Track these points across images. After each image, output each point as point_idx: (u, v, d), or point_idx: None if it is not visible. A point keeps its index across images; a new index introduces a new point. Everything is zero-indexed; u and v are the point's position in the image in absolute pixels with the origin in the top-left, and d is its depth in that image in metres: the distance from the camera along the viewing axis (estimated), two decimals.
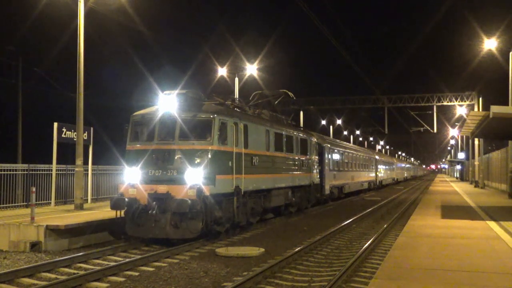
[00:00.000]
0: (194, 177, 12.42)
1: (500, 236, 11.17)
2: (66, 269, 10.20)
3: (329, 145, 27.01)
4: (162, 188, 12.50)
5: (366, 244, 12.28)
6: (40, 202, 17.22)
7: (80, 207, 16.14)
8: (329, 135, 49.72)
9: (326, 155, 25.67)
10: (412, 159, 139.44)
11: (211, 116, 13.19)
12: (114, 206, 12.80)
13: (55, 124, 17.14)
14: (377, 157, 47.38)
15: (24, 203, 17.01)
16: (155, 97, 14.45)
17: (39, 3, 19.57)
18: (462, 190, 33.72)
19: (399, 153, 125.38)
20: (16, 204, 17.04)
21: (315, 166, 22.76)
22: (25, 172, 17.57)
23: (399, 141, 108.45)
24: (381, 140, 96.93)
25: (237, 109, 15.68)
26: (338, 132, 66.81)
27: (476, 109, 39.98)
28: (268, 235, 14.77)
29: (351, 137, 73.58)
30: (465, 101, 44.54)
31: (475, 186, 39.92)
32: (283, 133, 18.35)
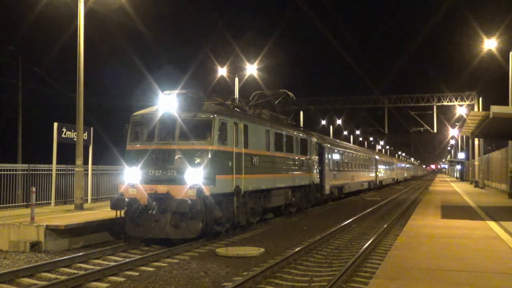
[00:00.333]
0: (194, 177, 12.42)
1: (500, 236, 11.16)
2: (66, 269, 10.20)
3: (329, 145, 27.01)
4: (162, 188, 12.50)
5: (366, 244, 12.28)
6: (40, 202, 17.22)
7: (80, 207, 16.14)
8: (329, 135, 49.71)
9: (326, 155, 25.67)
10: (412, 159, 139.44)
11: (211, 116, 13.19)
12: (114, 206, 12.80)
13: (55, 124, 17.14)
14: (377, 157, 47.38)
15: (24, 203, 17.01)
16: (155, 97, 14.47)
17: (39, 3, 19.58)
18: (462, 190, 33.72)
19: (399, 153, 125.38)
20: (16, 204, 17.05)
21: (315, 166, 22.76)
22: (25, 172, 17.57)
23: (399, 141, 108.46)
24: (381, 140, 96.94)
25: (237, 109, 15.68)
26: (338, 132, 66.83)
27: (476, 109, 39.98)
28: (268, 235, 14.77)
29: (351, 137, 73.58)
30: (465, 101, 44.53)
31: (475, 186, 39.93)
32: (283, 133, 18.35)
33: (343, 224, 16.82)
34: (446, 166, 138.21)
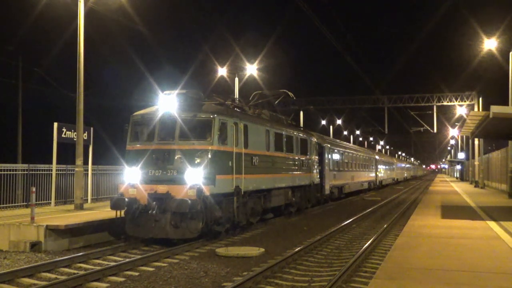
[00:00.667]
0: (194, 177, 12.42)
1: (500, 236, 11.16)
2: (66, 269, 10.20)
3: (329, 145, 27.01)
4: (162, 188, 12.50)
5: (366, 244, 12.28)
6: (40, 202, 17.22)
7: (80, 207, 16.15)
8: (329, 135, 49.70)
9: (326, 155, 25.67)
10: (412, 159, 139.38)
11: (211, 116, 13.19)
12: (114, 206, 12.80)
13: (55, 124, 17.14)
14: (377, 157, 47.38)
15: (24, 203, 17.01)
16: (155, 97, 14.47)
17: (39, 3, 19.57)
18: (462, 190, 33.72)
19: (399, 153, 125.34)
20: (16, 204, 17.04)
21: (315, 166, 22.76)
22: (25, 172, 17.57)
23: (399, 141, 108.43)
24: (381, 140, 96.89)
25: (237, 109, 15.67)
26: (338, 132, 66.81)
27: (476, 109, 39.98)
28: (268, 235, 14.77)
29: (351, 137, 73.57)
30: (465, 101, 44.55)
31: (475, 186, 39.92)
32: (283, 133, 18.34)
33: (343, 224, 16.82)
34: (446, 166, 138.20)
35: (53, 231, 12.25)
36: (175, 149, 12.85)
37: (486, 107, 32.69)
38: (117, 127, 17.76)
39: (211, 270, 10.00)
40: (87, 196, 18.68)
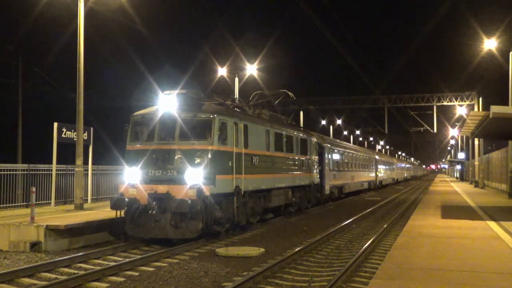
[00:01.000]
0: (194, 177, 12.41)
1: (500, 236, 11.16)
2: (66, 269, 10.20)
3: (329, 145, 27.01)
4: (162, 188, 12.50)
5: (366, 244, 12.27)
6: (40, 202, 17.22)
7: (80, 207, 16.14)
8: (329, 135, 49.71)
9: (326, 155, 25.67)
10: (412, 159, 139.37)
11: (211, 116, 13.19)
12: (114, 206, 12.80)
13: (55, 124, 17.14)
14: (377, 157, 47.37)
15: (24, 203, 17.01)
16: (155, 97, 14.46)
17: (39, 3, 19.57)
18: (462, 190, 33.72)
19: (399, 153, 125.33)
20: (16, 204, 17.04)
21: (315, 166, 22.75)
22: (25, 172, 17.57)
23: (399, 141, 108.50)
24: (381, 140, 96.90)
25: (237, 109, 15.67)
26: (338, 132, 66.83)
27: (476, 109, 39.99)
28: (268, 235, 14.77)
29: (351, 137, 73.57)
30: (465, 101, 44.56)
31: (475, 186, 39.92)
32: (283, 133, 18.34)
33: (343, 224, 16.82)
34: (446, 166, 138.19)
35: (53, 231, 12.25)
36: (175, 149, 12.85)
37: (486, 107, 32.70)
38: (117, 127, 17.76)
39: (211, 270, 10.00)
40: (87, 196, 18.68)
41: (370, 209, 23.04)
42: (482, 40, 29.61)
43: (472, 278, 7.14)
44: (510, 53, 25.52)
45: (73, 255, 11.09)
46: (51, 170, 17.62)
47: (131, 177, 12.99)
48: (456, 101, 44.81)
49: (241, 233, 14.87)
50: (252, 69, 32.83)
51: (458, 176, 76.10)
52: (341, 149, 30.86)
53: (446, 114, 55.53)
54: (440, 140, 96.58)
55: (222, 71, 32.43)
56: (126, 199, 12.67)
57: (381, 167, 49.44)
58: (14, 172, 17.26)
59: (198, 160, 12.70)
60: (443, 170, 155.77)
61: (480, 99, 41.44)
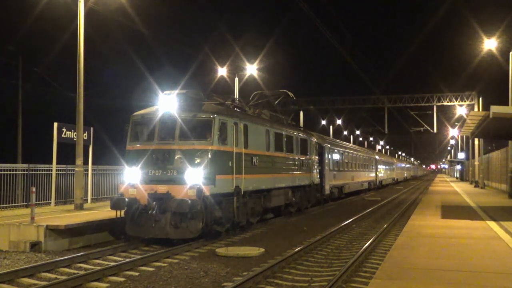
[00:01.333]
0: (194, 177, 12.42)
1: (500, 236, 11.16)
2: (66, 269, 10.20)
3: (329, 145, 27.00)
4: (162, 188, 12.50)
5: (366, 244, 12.27)
6: (40, 202, 17.22)
7: (80, 207, 16.15)
8: (329, 135, 49.71)
9: (326, 155, 25.67)
10: (412, 159, 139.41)
11: (211, 116, 13.19)
12: (114, 206, 12.80)
13: (55, 124, 17.15)
14: (377, 157, 47.37)
15: (24, 203, 17.01)
16: (155, 97, 14.47)
17: (39, 3, 19.57)
18: (462, 190, 33.72)
19: (399, 153, 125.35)
20: (16, 204, 17.05)
21: (315, 166, 22.75)
22: (25, 172, 17.58)
23: (399, 141, 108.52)
24: (381, 140, 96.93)
25: (237, 109, 15.67)
26: (338, 132, 66.85)
27: (476, 109, 39.99)
28: (268, 235, 14.77)
29: (351, 137, 73.59)
30: (465, 101, 44.55)
31: (475, 186, 39.92)
32: (283, 133, 18.34)
33: (343, 224, 16.82)
34: (446, 166, 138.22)
35: (53, 231, 12.25)
36: (175, 149, 12.85)
37: (486, 107, 32.69)
38: (117, 127, 17.76)
39: (211, 270, 10.00)
40: (87, 196, 18.68)
41: (370, 209, 23.04)
42: (482, 40, 29.64)
43: (472, 278, 7.14)
44: (510, 53, 25.51)
45: (73, 255, 11.08)
46: (51, 170, 17.63)
47: (131, 177, 12.99)
48: (456, 101, 44.81)
49: (241, 233, 14.87)
50: (252, 69, 32.83)
51: (458, 176, 76.13)
52: (341, 149, 30.86)
53: (446, 114, 55.60)
54: (440, 140, 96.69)
55: (222, 71, 32.43)
56: (126, 199, 12.67)
57: (381, 167, 49.45)
58: (14, 172, 17.27)
59: (198, 160, 12.70)
60: (443, 170, 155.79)
61: (480, 99, 41.46)
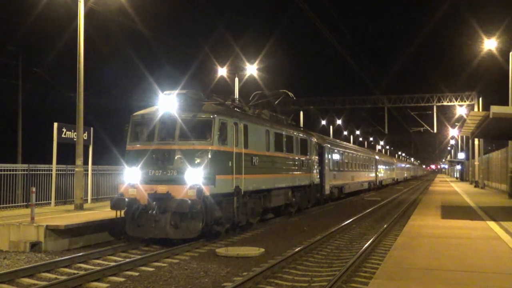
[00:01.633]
0: (194, 177, 12.41)
1: (500, 236, 11.17)
2: (66, 269, 10.20)
3: (329, 145, 27.01)
4: (162, 188, 12.50)
5: (366, 244, 12.27)
6: (40, 202, 17.22)
7: (80, 207, 16.14)
8: (329, 135, 49.72)
9: (326, 155, 25.67)
10: (412, 159, 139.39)
11: (211, 116, 13.19)
12: (114, 206, 12.80)
13: (55, 124, 17.15)
14: (377, 157, 47.37)
15: (24, 203, 17.01)
16: (155, 97, 14.47)
17: (39, 3, 19.57)
18: (462, 190, 33.72)
19: (399, 153, 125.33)
20: (16, 204, 17.04)
21: (315, 166, 22.75)
22: (25, 172, 17.57)
23: (399, 141, 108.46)
24: (381, 140, 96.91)
25: (237, 109, 15.67)
26: (338, 132, 66.85)
27: (476, 109, 40.00)
28: (268, 235, 14.77)
29: (351, 137, 73.58)
30: (465, 101, 44.57)
31: (475, 186, 39.92)
32: (283, 133, 18.34)
33: (343, 224, 16.82)
34: (446, 166, 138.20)
35: (53, 231, 12.25)
36: (175, 149, 12.85)
37: (486, 107, 32.69)
38: (117, 127, 17.75)
39: (211, 270, 10.00)
40: (87, 196, 18.68)
41: (370, 209, 23.04)
42: (482, 40, 29.62)
43: (472, 278, 7.14)
44: (510, 53, 25.51)
45: (73, 255, 11.09)
46: (51, 170, 17.63)
47: (131, 177, 12.99)
48: (456, 101, 44.82)
49: (241, 233, 14.87)
50: (252, 69, 32.83)
51: (458, 176, 76.13)
52: (341, 149, 30.86)
53: (446, 114, 55.59)
54: (440, 140, 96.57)
55: (222, 71, 32.42)
56: (126, 199, 12.67)
57: (381, 167, 49.44)
58: (14, 172, 17.26)
59: (198, 160, 12.70)
60: (443, 170, 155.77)
61: (480, 99, 41.47)
